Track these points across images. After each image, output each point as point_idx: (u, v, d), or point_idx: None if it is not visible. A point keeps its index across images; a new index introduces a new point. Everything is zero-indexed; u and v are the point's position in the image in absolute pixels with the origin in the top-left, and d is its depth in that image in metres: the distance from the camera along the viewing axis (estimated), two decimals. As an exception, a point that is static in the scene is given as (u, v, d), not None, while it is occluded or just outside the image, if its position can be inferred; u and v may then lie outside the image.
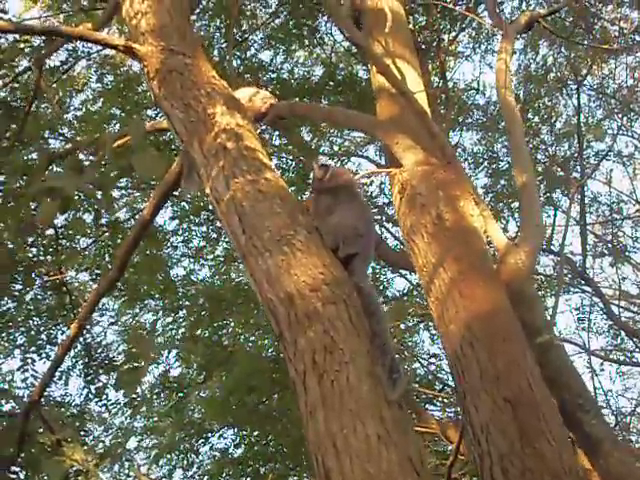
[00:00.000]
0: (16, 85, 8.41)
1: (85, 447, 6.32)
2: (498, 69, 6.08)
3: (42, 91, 8.01)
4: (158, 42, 4.48)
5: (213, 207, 4.07)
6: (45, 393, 9.03)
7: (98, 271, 10.62)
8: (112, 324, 12.18)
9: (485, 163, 13.46)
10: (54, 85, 10.97)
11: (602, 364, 14.21)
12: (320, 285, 3.40)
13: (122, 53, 4.68)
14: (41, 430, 6.57)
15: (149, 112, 10.96)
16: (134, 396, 8.65)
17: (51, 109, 9.75)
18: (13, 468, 7.63)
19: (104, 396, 9.11)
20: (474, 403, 3.94)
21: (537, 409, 3.82)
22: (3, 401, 9.02)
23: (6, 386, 9.56)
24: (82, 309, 6.12)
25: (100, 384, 9.31)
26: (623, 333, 13.80)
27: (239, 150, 4.01)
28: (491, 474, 3.68)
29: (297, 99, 11.50)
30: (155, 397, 12.49)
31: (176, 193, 6.54)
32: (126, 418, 12.07)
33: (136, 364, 5.60)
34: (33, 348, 9.30)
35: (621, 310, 14.23)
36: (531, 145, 13.58)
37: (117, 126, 11.09)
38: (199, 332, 12.11)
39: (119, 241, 10.03)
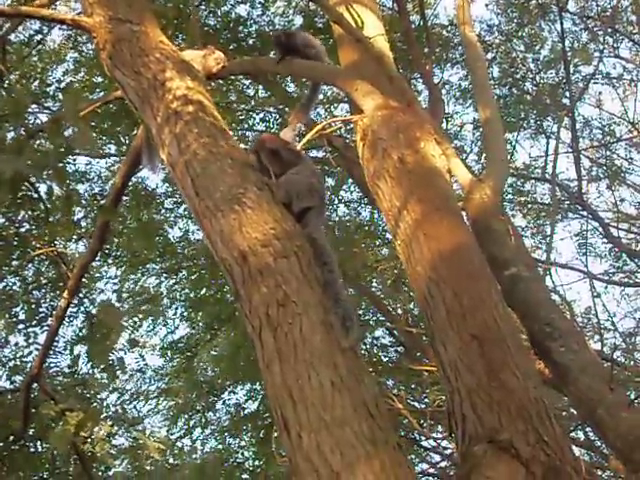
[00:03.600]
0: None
1: (90, 413, 6.40)
2: (458, 5, 6.07)
3: (7, 72, 8.00)
4: (105, 12, 4.50)
5: (169, 172, 4.12)
6: (52, 365, 9.21)
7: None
8: (115, 291, 12.29)
9: (472, 97, 13.37)
10: (34, 58, 10.98)
11: (606, 287, 14.32)
12: (271, 240, 3.45)
13: (71, 27, 4.70)
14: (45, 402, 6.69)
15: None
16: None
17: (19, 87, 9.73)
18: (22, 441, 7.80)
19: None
20: (442, 342, 3.98)
21: (503, 343, 3.85)
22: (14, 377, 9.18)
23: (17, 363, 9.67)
24: (70, 281, 6.19)
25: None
26: (625, 255, 13.85)
27: (190, 113, 4.05)
28: (461, 410, 3.74)
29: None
30: (165, 359, 12.66)
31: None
32: (136, 383, 12.27)
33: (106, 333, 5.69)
34: (35, 322, 9.41)
35: (621, 232, 14.25)
36: (518, 75, 13.56)
37: (101, 93, 11.07)
38: (202, 291, 12.20)
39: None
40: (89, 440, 7.16)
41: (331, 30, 10.71)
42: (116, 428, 9.13)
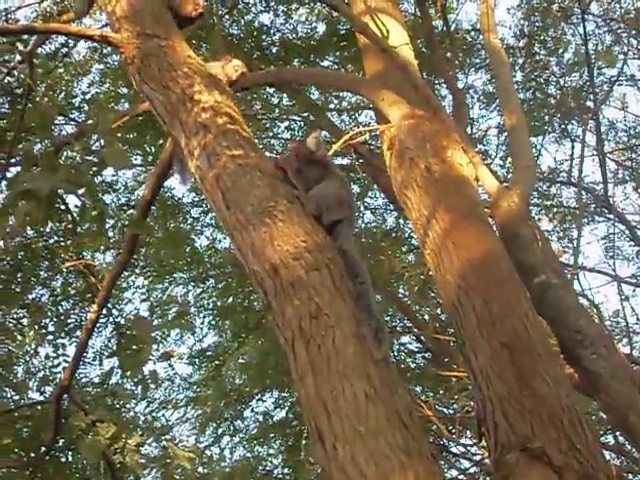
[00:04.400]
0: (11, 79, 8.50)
1: (122, 425, 6.46)
2: (482, 12, 6.08)
3: (35, 85, 8.09)
4: (133, 27, 4.54)
5: (199, 185, 4.16)
6: (81, 375, 9.28)
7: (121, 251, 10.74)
8: (143, 301, 12.37)
9: (497, 101, 13.36)
10: (60, 70, 11.07)
11: (634, 290, 14.25)
12: (303, 253, 3.48)
13: (99, 43, 4.75)
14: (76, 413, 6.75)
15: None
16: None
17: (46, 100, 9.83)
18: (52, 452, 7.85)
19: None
20: (473, 350, 4.02)
21: (533, 351, 3.89)
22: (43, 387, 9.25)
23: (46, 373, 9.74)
24: (99, 294, 6.25)
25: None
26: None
27: (218, 127, 4.09)
28: (493, 418, 3.77)
29: (301, 59, 11.52)
30: (193, 367, 12.72)
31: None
32: (164, 391, 12.33)
33: (138, 347, 5.74)
34: (63, 334, 9.48)
35: (649, 235, 14.17)
36: (541, 79, 13.53)
37: (126, 104, 11.16)
38: (230, 300, 12.25)
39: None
40: (119, 450, 7.22)
41: (354, 37, 10.80)
42: (145, 437, 9.20)
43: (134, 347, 5.63)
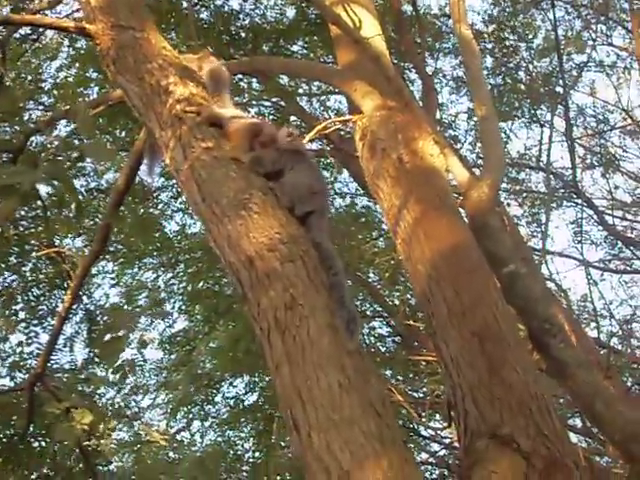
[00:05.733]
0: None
1: (95, 410, 6.51)
2: (452, 2, 6.13)
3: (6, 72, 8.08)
4: (107, 18, 4.55)
5: (174, 177, 4.20)
6: (53, 361, 9.29)
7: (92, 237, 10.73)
8: (113, 286, 12.36)
9: (466, 86, 13.44)
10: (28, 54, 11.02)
11: (602, 274, 14.44)
12: (277, 245, 3.53)
13: (74, 34, 4.77)
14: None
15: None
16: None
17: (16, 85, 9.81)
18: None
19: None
20: (444, 339, 4.09)
21: (503, 340, 3.97)
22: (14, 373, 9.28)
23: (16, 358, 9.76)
24: (72, 282, 6.28)
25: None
26: (620, 242, 13.96)
27: (193, 119, 4.13)
28: (463, 405, 3.85)
29: (270, 44, 11.54)
30: (164, 352, 12.74)
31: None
32: (135, 377, 12.34)
33: (116, 335, 5.78)
34: (35, 321, 9.51)
35: (616, 220, 14.36)
36: (511, 64, 13.62)
37: (95, 89, 11.13)
38: (200, 285, 12.27)
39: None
40: (92, 436, 7.26)
41: (323, 22, 10.82)
42: (118, 423, 9.26)
43: (111, 335, 5.66)
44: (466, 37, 5.90)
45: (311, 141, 5.54)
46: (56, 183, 3.93)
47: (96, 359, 8.20)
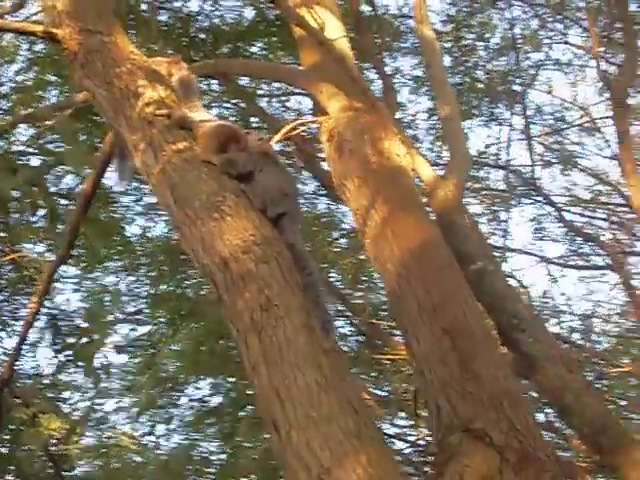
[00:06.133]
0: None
1: (62, 415, 6.51)
2: (415, 4, 6.20)
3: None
4: (75, 23, 4.56)
5: (145, 180, 4.21)
6: (18, 367, 9.24)
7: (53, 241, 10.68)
8: (75, 291, 12.29)
9: (426, 86, 13.54)
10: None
11: (562, 271, 14.59)
12: (251, 246, 3.56)
13: (42, 39, 4.77)
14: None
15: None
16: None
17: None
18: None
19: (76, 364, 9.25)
20: (415, 336, 4.14)
21: (474, 336, 4.03)
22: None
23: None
24: (39, 286, 6.27)
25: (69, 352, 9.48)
26: (580, 239, 14.11)
27: (163, 122, 4.15)
28: (435, 401, 3.90)
29: (230, 46, 11.53)
30: (127, 356, 12.68)
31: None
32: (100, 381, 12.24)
33: (91, 338, 5.78)
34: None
35: (575, 216, 14.51)
36: (469, 63, 13.73)
37: (54, 92, 11.07)
38: (162, 287, 12.24)
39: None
40: (59, 441, 7.25)
41: (283, 24, 10.84)
42: (84, 428, 9.22)
43: (86, 339, 5.67)
44: (429, 38, 5.99)
45: (277, 143, 5.59)
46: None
47: (62, 364, 8.14)
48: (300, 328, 3.32)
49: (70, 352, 7.14)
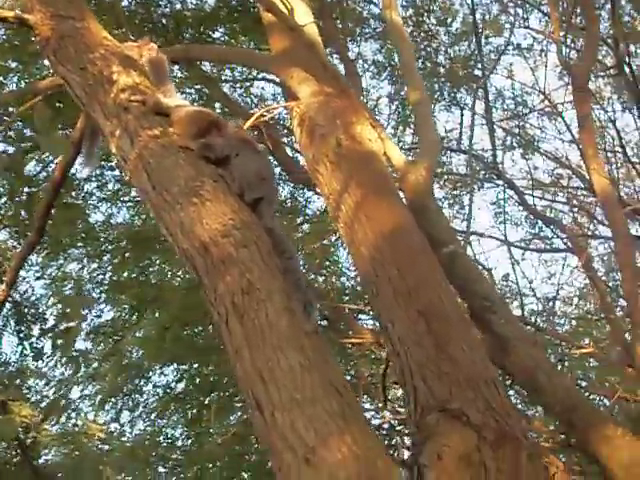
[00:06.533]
0: None
1: (30, 403, 6.50)
2: (383, -10, 6.22)
3: None
4: (46, 8, 4.55)
5: (121, 166, 4.22)
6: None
7: (17, 228, 10.62)
8: (38, 278, 12.24)
9: (387, 71, 13.62)
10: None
11: (523, 254, 14.76)
12: (231, 230, 3.60)
13: (13, 24, 4.75)
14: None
15: (46, 62, 10.82)
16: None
17: None
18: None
19: (41, 352, 9.24)
20: (390, 319, 4.18)
21: (448, 318, 4.08)
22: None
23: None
24: (7, 274, 6.24)
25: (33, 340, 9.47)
26: (540, 222, 14.25)
27: (139, 108, 4.15)
28: (412, 382, 3.94)
29: (192, 32, 11.49)
30: (91, 344, 12.64)
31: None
32: (65, 369, 12.23)
33: (68, 324, 5.77)
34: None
35: (536, 200, 14.66)
36: (430, 48, 13.79)
37: (14, 78, 10.97)
38: (126, 274, 12.20)
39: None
40: (29, 429, 7.24)
41: (245, 10, 10.81)
42: (52, 415, 9.21)
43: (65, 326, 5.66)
44: (396, 23, 6.02)
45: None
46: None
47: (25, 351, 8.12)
48: (282, 311, 3.36)
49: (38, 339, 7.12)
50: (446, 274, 4.54)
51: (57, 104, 8.69)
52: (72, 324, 5.65)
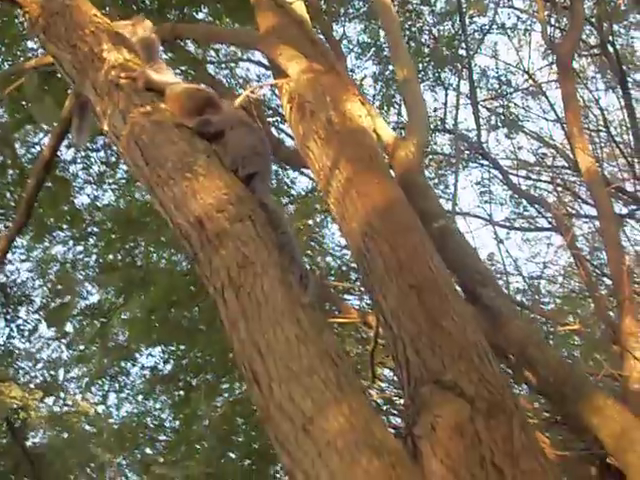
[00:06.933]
0: None
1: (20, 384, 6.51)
2: (369, -32, 6.24)
3: None
4: (34, -14, 4.55)
5: (113, 143, 4.22)
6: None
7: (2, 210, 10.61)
8: (24, 261, 12.23)
9: (372, 51, 13.64)
10: None
11: (508, 233, 14.85)
12: (225, 205, 3.62)
13: (2, 2, 4.74)
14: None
15: (30, 44, 10.80)
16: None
17: None
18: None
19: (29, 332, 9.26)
20: (382, 293, 4.20)
21: (440, 291, 4.10)
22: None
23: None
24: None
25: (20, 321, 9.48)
26: (525, 201, 14.33)
27: (130, 84, 4.16)
28: (405, 355, 3.96)
29: (175, 12, 11.45)
30: (78, 326, 12.64)
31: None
32: (52, 351, 12.24)
33: (62, 300, 5.78)
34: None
35: (520, 179, 14.73)
36: (415, 28, 13.80)
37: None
38: (112, 256, 12.19)
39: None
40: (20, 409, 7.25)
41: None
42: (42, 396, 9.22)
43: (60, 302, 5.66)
44: (385, 3, 6.03)
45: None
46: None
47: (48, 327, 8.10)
48: (277, 284, 3.38)
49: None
50: (437, 248, 4.57)
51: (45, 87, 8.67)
52: (66, 300, 5.65)
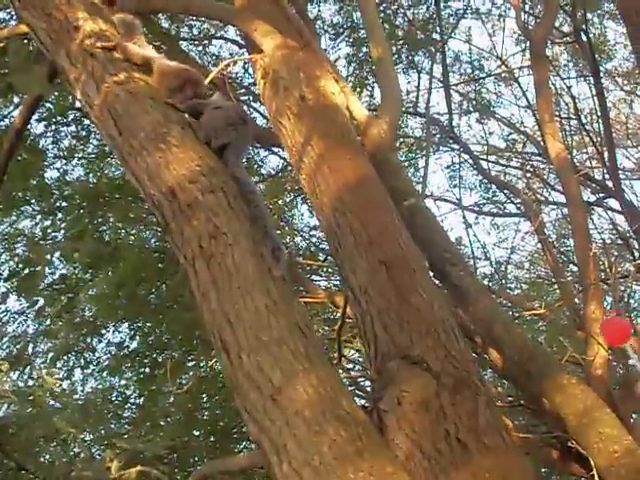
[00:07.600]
0: None
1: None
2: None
3: None
4: (8, -45, 4.51)
5: (86, 112, 4.21)
6: None
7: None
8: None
9: (345, 33, 13.60)
10: None
11: (477, 218, 14.93)
12: (198, 176, 3.63)
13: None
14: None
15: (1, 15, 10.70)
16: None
17: None
18: None
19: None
20: (352, 268, 4.23)
21: (409, 268, 4.14)
22: None
23: None
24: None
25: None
26: (494, 186, 14.41)
27: (105, 54, 4.15)
28: (373, 330, 4.00)
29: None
30: (45, 301, 12.55)
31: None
32: (19, 324, 12.17)
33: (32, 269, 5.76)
34: None
35: (490, 164, 14.80)
36: (389, 11, 13.78)
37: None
38: (80, 231, 12.11)
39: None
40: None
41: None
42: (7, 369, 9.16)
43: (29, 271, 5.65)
44: (361, -19, 6.03)
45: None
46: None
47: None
48: (248, 255, 3.41)
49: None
50: (407, 226, 4.60)
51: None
52: (37, 268, 5.64)
